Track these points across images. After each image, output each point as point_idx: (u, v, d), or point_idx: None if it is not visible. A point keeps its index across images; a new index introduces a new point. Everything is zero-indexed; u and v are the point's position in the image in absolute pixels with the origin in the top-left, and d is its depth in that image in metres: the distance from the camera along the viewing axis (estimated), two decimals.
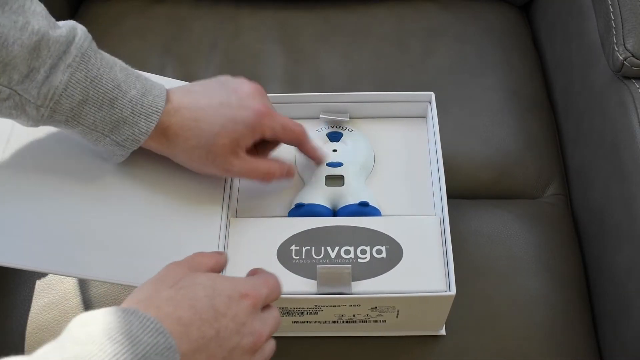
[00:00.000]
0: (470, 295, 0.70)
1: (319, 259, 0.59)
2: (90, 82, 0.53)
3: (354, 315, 0.62)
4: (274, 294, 0.50)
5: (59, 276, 0.71)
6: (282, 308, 0.61)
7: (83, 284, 0.71)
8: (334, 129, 0.70)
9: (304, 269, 0.59)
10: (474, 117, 0.83)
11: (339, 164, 0.66)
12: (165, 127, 0.57)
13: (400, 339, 0.67)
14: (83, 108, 0.54)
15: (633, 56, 0.68)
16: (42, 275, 0.72)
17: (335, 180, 0.65)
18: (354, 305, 0.60)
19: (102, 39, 0.92)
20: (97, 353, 0.37)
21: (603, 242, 0.73)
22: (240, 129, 0.58)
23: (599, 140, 0.75)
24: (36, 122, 0.54)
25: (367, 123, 0.71)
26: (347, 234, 0.61)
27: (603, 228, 0.73)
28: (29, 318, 0.70)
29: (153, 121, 0.56)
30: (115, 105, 0.54)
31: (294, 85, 0.86)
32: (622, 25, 0.70)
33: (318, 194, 0.64)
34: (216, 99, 0.58)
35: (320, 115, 0.70)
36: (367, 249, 0.60)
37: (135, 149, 0.57)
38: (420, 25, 0.91)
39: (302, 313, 0.62)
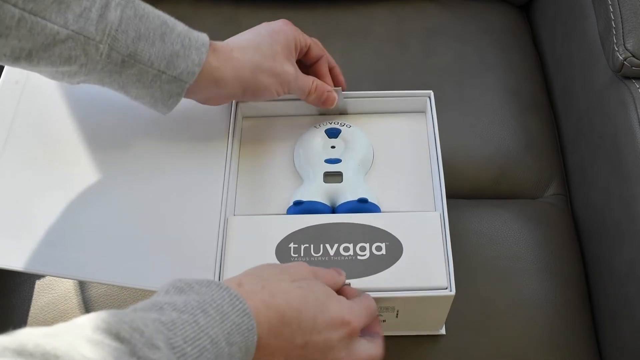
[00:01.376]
0: (470, 295, 0.70)
1: (317, 256, 0.59)
2: (139, 19, 0.54)
3: None
4: (371, 319, 0.53)
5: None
6: None
7: (83, 284, 0.71)
8: (332, 125, 0.69)
9: None
10: (473, 116, 0.83)
11: (337, 161, 0.66)
12: (215, 57, 0.59)
13: (401, 339, 0.67)
14: (138, 45, 0.54)
15: (633, 56, 0.68)
16: (42, 275, 0.72)
17: (334, 177, 0.65)
18: None
19: None
20: (190, 323, 0.40)
21: (603, 242, 0.73)
22: (283, 39, 0.62)
23: (599, 140, 0.75)
24: (94, 63, 0.54)
25: (366, 119, 0.70)
26: (346, 231, 0.60)
27: (603, 228, 0.73)
28: (29, 318, 0.70)
29: (203, 53, 0.57)
30: (166, 40, 0.56)
31: None
32: (622, 25, 0.70)
33: (316, 191, 0.64)
34: (252, 34, 0.63)
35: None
36: (367, 245, 0.59)
37: (191, 82, 0.57)
38: (420, 25, 0.91)
39: None
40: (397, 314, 0.62)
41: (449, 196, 0.68)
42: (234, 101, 0.67)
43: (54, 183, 0.62)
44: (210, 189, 0.64)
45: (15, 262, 0.57)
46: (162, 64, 0.56)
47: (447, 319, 0.66)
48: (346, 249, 0.59)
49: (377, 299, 0.59)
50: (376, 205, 0.63)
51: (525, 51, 0.92)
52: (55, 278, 0.72)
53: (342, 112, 0.70)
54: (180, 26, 0.57)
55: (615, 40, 0.70)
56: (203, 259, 0.59)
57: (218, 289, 0.43)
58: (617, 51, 0.69)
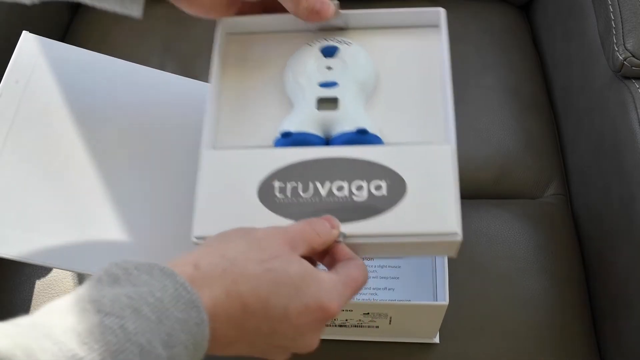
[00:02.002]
0: (470, 295, 0.70)
1: (307, 197, 0.50)
2: None
3: (346, 320, 0.62)
4: (356, 293, 0.46)
5: (59, 276, 0.71)
6: None
7: (83, 283, 0.71)
8: (329, 43, 0.57)
9: (289, 210, 0.49)
10: (473, 117, 0.83)
11: (333, 84, 0.55)
12: None
13: (395, 345, 0.67)
14: None
15: (633, 56, 0.68)
16: (42, 275, 0.72)
17: (329, 103, 0.54)
18: (347, 310, 0.60)
19: (102, 39, 0.93)
20: (115, 330, 0.33)
21: (603, 242, 0.73)
22: None
23: (599, 140, 0.75)
24: None
25: (369, 36, 0.59)
26: (340, 167, 0.51)
27: (603, 228, 0.73)
28: None
29: None
30: None
31: None
32: (622, 25, 0.70)
33: (308, 120, 0.54)
34: None
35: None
36: (364, 184, 0.50)
37: None
38: None
39: None
40: (390, 321, 0.62)
41: None
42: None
43: (54, 181, 0.62)
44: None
45: (13, 251, 0.57)
46: None
47: (446, 320, 0.66)
48: (340, 188, 0.50)
49: (370, 305, 0.58)
50: (378, 137, 0.53)
51: (525, 51, 0.92)
52: (55, 278, 0.72)
53: (341, 28, 0.59)
54: None
55: (615, 40, 0.70)
56: None
57: (161, 276, 0.36)
58: (617, 51, 0.69)
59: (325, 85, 0.55)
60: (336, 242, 0.47)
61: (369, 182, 0.50)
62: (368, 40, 0.58)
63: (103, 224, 0.60)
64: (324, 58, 0.57)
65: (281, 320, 0.40)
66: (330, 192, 0.50)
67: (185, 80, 0.71)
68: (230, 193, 0.51)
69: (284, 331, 0.41)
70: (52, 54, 0.66)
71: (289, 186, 0.50)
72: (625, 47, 0.69)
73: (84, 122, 0.66)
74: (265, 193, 0.50)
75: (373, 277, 0.67)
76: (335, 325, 0.64)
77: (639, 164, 0.67)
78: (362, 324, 0.63)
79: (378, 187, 0.50)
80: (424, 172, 0.51)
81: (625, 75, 0.71)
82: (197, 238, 0.49)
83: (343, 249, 0.47)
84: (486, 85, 0.86)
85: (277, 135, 0.54)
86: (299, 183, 0.50)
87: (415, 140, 0.54)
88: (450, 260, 0.62)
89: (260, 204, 0.50)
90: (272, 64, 0.57)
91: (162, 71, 0.71)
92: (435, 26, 0.58)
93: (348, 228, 0.48)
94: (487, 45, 0.90)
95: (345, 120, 0.54)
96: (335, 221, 0.47)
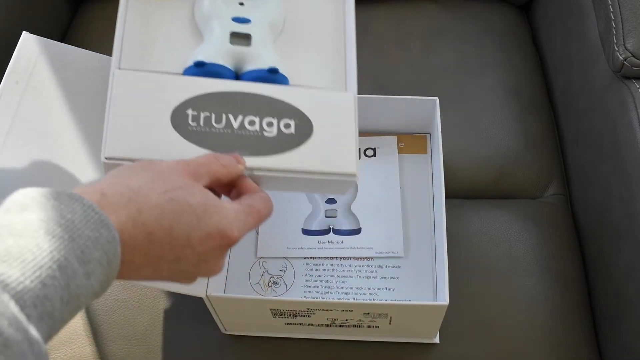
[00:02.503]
0: (469, 296, 0.70)
1: (219, 128, 0.51)
2: None
3: (346, 320, 0.62)
4: (259, 224, 0.47)
5: None
6: (274, 309, 0.61)
7: None
8: None
9: (201, 139, 0.51)
10: (474, 117, 0.83)
11: (246, 20, 0.56)
12: None
13: (395, 345, 0.67)
14: None
15: (633, 56, 0.68)
16: None
17: (242, 39, 0.56)
18: (346, 310, 0.60)
19: (102, 39, 0.92)
20: (31, 249, 0.34)
21: (603, 242, 0.73)
22: None
23: (599, 140, 0.75)
24: None
25: None
26: (252, 103, 0.53)
27: (603, 228, 0.73)
28: None
29: None
30: None
31: None
32: (622, 25, 0.70)
33: (221, 53, 0.55)
34: None
35: None
36: (274, 121, 0.53)
37: None
38: (420, 26, 0.91)
39: (295, 315, 0.62)
40: (390, 321, 0.62)
41: (449, 196, 0.68)
42: None
43: (54, 181, 0.62)
44: None
45: None
46: None
47: (445, 320, 0.66)
48: (252, 123, 0.52)
49: (370, 305, 0.58)
50: (286, 78, 0.56)
51: (525, 51, 0.92)
52: None
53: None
54: None
55: (615, 40, 0.70)
56: None
57: (69, 201, 0.37)
58: (617, 51, 0.69)
59: (239, 20, 0.56)
60: (242, 176, 0.49)
61: (279, 119, 0.53)
62: None
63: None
64: None
65: (184, 248, 0.42)
66: (242, 125, 0.52)
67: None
68: (142, 116, 0.51)
69: (187, 257, 0.43)
70: (52, 54, 0.66)
71: (202, 115, 0.52)
72: (625, 47, 0.69)
73: (84, 122, 0.66)
74: (178, 120, 0.51)
75: (373, 277, 0.67)
76: (335, 325, 0.64)
77: (639, 164, 0.67)
78: (362, 324, 0.63)
79: (287, 126, 0.53)
80: (329, 117, 0.54)
81: (625, 75, 0.71)
82: (107, 159, 0.50)
83: (248, 183, 0.49)
84: (486, 85, 0.86)
85: (190, 63, 0.54)
86: (212, 114, 0.52)
87: (318, 84, 0.56)
88: (450, 260, 0.62)
89: (173, 130, 0.51)
90: None
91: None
92: None
93: (257, 162, 0.51)
94: (487, 45, 0.90)
95: (257, 57, 0.55)
96: (241, 158, 0.50)
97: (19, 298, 0.32)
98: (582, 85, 0.80)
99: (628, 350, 0.67)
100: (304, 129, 0.53)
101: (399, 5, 0.94)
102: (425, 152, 0.74)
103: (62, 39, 0.94)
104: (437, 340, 0.68)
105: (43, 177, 0.62)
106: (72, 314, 0.36)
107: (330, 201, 0.71)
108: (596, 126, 0.76)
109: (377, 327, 0.63)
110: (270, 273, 0.67)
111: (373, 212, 0.70)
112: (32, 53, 0.66)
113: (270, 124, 0.53)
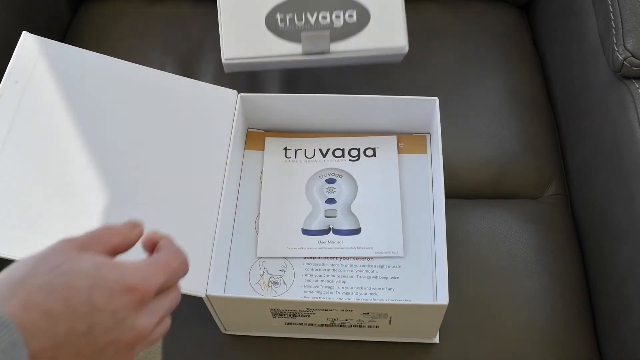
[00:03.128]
0: (469, 296, 0.70)
1: (300, 25, 0.70)
2: None
3: (346, 320, 0.62)
4: (177, 275, 0.44)
5: None
6: (274, 309, 0.61)
7: None
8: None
9: (289, 34, 0.70)
10: (474, 117, 0.83)
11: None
12: None
13: (395, 345, 0.67)
14: None
15: (633, 56, 0.68)
16: None
17: None
18: (346, 310, 0.60)
19: (102, 39, 0.93)
20: None
21: (603, 242, 0.73)
22: None
23: (599, 140, 0.75)
24: None
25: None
26: (322, 1, 0.71)
27: (603, 228, 0.73)
28: None
29: None
30: None
31: (292, 85, 0.86)
32: (622, 25, 0.70)
33: None
34: None
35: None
36: (340, 13, 0.71)
37: None
38: (420, 25, 0.91)
39: (295, 315, 0.62)
40: (390, 321, 0.62)
41: (449, 196, 0.68)
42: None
43: (54, 181, 0.62)
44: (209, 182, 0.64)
45: (13, 251, 0.57)
46: None
47: (445, 320, 0.66)
48: (324, 17, 0.70)
49: (369, 305, 0.58)
50: None
51: (525, 51, 0.92)
52: None
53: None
54: None
55: (615, 40, 0.70)
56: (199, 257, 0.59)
57: None
58: (617, 51, 0.69)
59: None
60: (152, 234, 0.47)
61: (344, 12, 0.71)
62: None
63: (103, 224, 0.60)
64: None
65: (91, 313, 0.39)
66: (317, 21, 0.71)
67: (185, 80, 0.71)
68: (244, 21, 0.70)
69: (100, 322, 0.39)
70: (52, 54, 0.66)
71: (287, 17, 0.71)
72: (625, 47, 0.69)
73: (84, 122, 0.66)
74: (270, 21, 0.71)
75: (373, 277, 0.67)
76: (335, 325, 0.64)
77: (639, 163, 0.67)
78: (362, 324, 0.63)
79: (350, 16, 0.71)
80: (380, 5, 0.71)
81: (625, 75, 0.71)
82: (227, 59, 0.70)
83: (164, 241, 0.46)
84: (486, 85, 0.86)
85: None
86: (295, 14, 0.71)
87: None
88: (450, 260, 0.62)
89: (267, 31, 0.71)
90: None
91: (162, 71, 0.71)
92: None
93: (333, 47, 0.71)
94: (487, 45, 0.90)
95: None
96: (138, 221, 0.47)
97: None
98: (582, 85, 0.80)
99: (628, 350, 0.67)
100: (363, 17, 0.71)
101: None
102: (425, 152, 0.74)
103: (62, 39, 0.94)
104: (436, 340, 0.68)
105: (43, 177, 0.62)
106: None
107: (330, 201, 0.71)
108: (596, 126, 0.76)
109: (377, 327, 0.63)
110: (270, 273, 0.67)
111: (373, 212, 0.70)
112: (32, 53, 0.66)
113: (338, 17, 0.71)
